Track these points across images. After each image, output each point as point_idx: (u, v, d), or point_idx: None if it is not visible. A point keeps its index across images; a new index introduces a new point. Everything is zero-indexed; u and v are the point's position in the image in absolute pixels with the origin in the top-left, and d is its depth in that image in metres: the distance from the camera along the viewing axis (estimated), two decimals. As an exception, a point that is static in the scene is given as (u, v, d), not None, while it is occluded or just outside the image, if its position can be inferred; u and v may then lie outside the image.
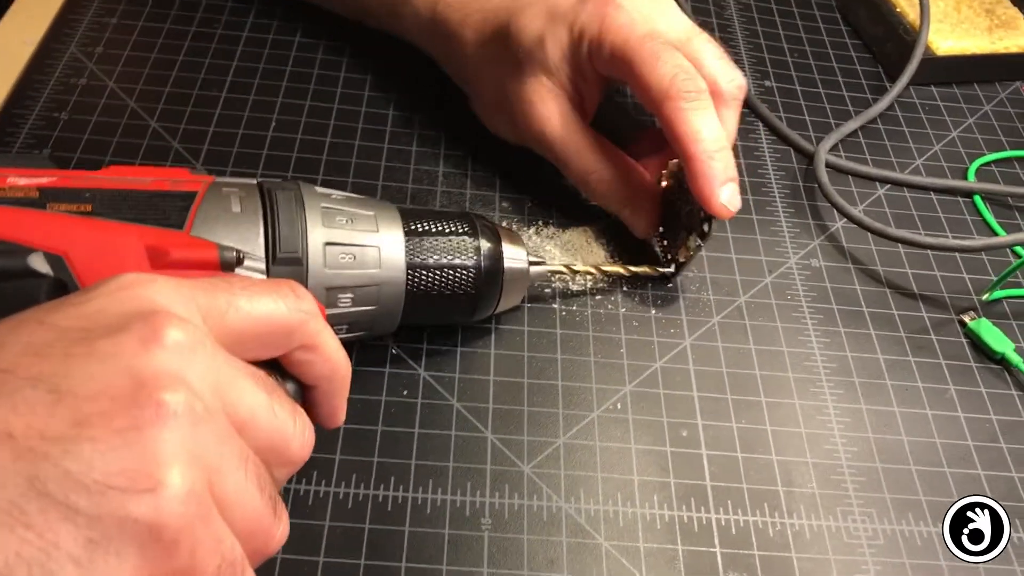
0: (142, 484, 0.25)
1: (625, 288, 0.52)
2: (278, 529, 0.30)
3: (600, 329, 0.50)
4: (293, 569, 0.39)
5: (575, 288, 0.51)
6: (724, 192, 0.47)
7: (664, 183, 0.52)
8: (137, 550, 0.25)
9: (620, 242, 0.54)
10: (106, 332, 0.27)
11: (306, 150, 0.56)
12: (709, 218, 0.48)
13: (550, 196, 0.56)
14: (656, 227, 0.52)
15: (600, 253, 0.53)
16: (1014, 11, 0.71)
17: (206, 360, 0.28)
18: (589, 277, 0.52)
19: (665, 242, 0.52)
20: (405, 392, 0.46)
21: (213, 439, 0.27)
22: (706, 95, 0.48)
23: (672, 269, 0.52)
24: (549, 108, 0.52)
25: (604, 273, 0.51)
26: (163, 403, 0.26)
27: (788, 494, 0.45)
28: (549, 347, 0.49)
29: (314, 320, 0.33)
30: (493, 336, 0.49)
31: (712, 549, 0.42)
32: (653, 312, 0.51)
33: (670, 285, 0.52)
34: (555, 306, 0.51)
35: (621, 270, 0.51)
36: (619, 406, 0.47)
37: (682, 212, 0.51)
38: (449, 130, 0.59)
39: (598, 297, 0.51)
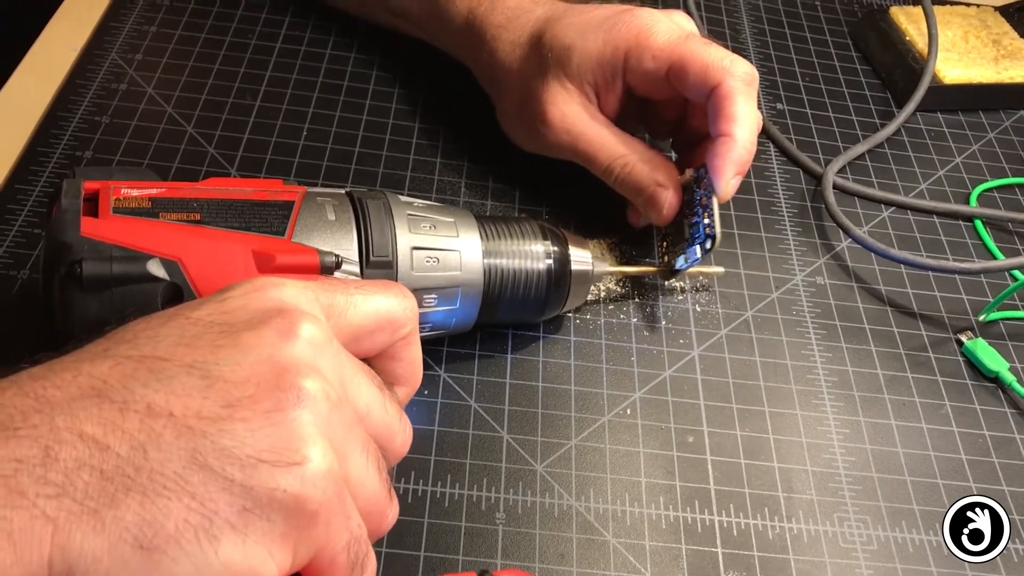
0: (289, 459, 0.28)
1: (637, 299, 0.54)
2: (391, 510, 0.33)
3: (612, 338, 0.52)
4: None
5: (590, 298, 0.54)
6: (736, 179, 0.51)
7: None
8: (284, 518, 0.28)
9: (632, 253, 0.56)
10: (247, 326, 0.30)
11: (335, 159, 0.58)
12: (712, 235, 0.50)
13: (566, 209, 0.58)
14: (675, 213, 0.53)
15: (614, 262, 0.55)
16: (1020, 42, 0.74)
17: (333, 354, 0.31)
18: (604, 289, 0.54)
19: (665, 244, 0.55)
20: (426, 392, 0.48)
21: (342, 425, 0.30)
22: (755, 83, 0.51)
23: (670, 272, 0.54)
24: (570, 107, 0.54)
25: (653, 273, 0.54)
26: (303, 388, 0.29)
27: (788, 499, 0.47)
28: (563, 353, 0.51)
29: (414, 320, 0.36)
30: (510, 341, 0.51)
31: (714, 549, 0.45)
32: (663, 323, 0.53)
33: (681, 298, 0.55)
34: (570, 314, 0.53)
35: (642, 269, 0.54)
36: (629, 411, 0.49)
37: (687, 223, 0.53)
38: (472, 144, 0.61)
39: (610, 307, 0.54)
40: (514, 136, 0.59)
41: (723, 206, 0.54)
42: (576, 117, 0.54)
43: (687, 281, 0.55)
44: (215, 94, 0.61)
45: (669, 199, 0.53)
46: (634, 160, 0.53)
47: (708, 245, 0.51)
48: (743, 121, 0.50)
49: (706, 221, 0.51)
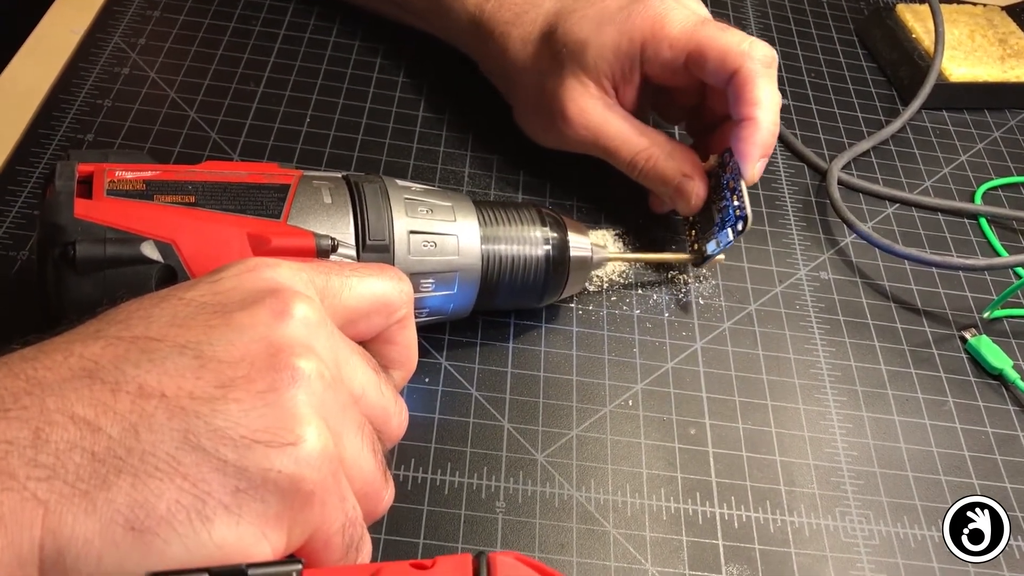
0: (283, 439, 0.27)
1: (640, 291, 0.54)
2: (387, 492, 0.33)
3: (615, 329, 0.52)
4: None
5: (592, 288, 0.53)
6: (762, 162, 0.51)
7: None
8: (279, 499, 0.27)
9: (637, 242, 0.56)
10: (240, 306, 0.30)
11: (338, 146, 0.58)
12: (743, 216, 0.50)
13: (571, 198, 0.58)
14: (703, 202, 0.53)
15: (617, 251, 0.55)
16: (1026, 42, 0.73)
17: (327, 335, 0.31)
18: (607, 279, 0.54)
19: (694, 231, 0.55)
20: (427, 380, 0.48)
21: (337, 405, 0.30)
22: (774, 64, 0.51)
23: (701, 258, 0.54)
24: (589, 102, 0.54)
25: (684, 260, 0.55)
26: (297, 368, 0.29)
27: (789, 493, 0.46)
28: (565, 344, 0.51)
29: (409, 303, 0.36)
30: (512, 330, 0.51)
31: (715, 541, 0.44)
32: (666, 315, 0.53)
33: (684, 291, 0.54)
34: (572, 305, 0.53)
35: (671, 256, 0.55)
36: (631, 403, 0.49)
37: (715, 208, 0.53)
38: (476, 132, 0.61)
39: (613, 298, 0.53)
40: (532, 133, 0.59)
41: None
42: (595, 112, 0.54)
43: (690, 273, 0.55)
44: (218, 79, 0.61)
45: (697, 189, 0.53)
46: (657, 153, 0.53)
47: (740, 227, 0.50)
48: (765, 104, 0.50)
49: (736, 203, 0.51)
